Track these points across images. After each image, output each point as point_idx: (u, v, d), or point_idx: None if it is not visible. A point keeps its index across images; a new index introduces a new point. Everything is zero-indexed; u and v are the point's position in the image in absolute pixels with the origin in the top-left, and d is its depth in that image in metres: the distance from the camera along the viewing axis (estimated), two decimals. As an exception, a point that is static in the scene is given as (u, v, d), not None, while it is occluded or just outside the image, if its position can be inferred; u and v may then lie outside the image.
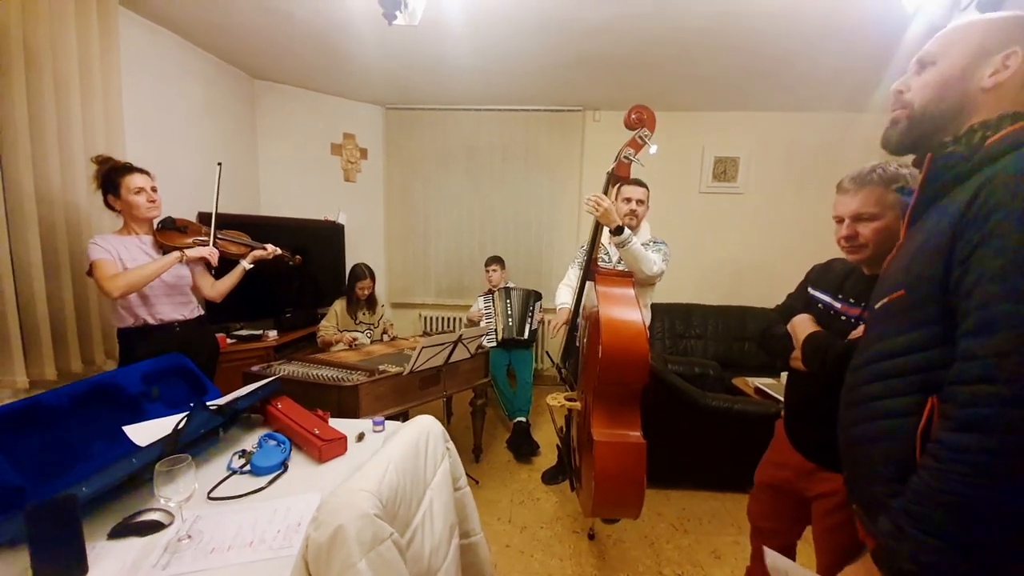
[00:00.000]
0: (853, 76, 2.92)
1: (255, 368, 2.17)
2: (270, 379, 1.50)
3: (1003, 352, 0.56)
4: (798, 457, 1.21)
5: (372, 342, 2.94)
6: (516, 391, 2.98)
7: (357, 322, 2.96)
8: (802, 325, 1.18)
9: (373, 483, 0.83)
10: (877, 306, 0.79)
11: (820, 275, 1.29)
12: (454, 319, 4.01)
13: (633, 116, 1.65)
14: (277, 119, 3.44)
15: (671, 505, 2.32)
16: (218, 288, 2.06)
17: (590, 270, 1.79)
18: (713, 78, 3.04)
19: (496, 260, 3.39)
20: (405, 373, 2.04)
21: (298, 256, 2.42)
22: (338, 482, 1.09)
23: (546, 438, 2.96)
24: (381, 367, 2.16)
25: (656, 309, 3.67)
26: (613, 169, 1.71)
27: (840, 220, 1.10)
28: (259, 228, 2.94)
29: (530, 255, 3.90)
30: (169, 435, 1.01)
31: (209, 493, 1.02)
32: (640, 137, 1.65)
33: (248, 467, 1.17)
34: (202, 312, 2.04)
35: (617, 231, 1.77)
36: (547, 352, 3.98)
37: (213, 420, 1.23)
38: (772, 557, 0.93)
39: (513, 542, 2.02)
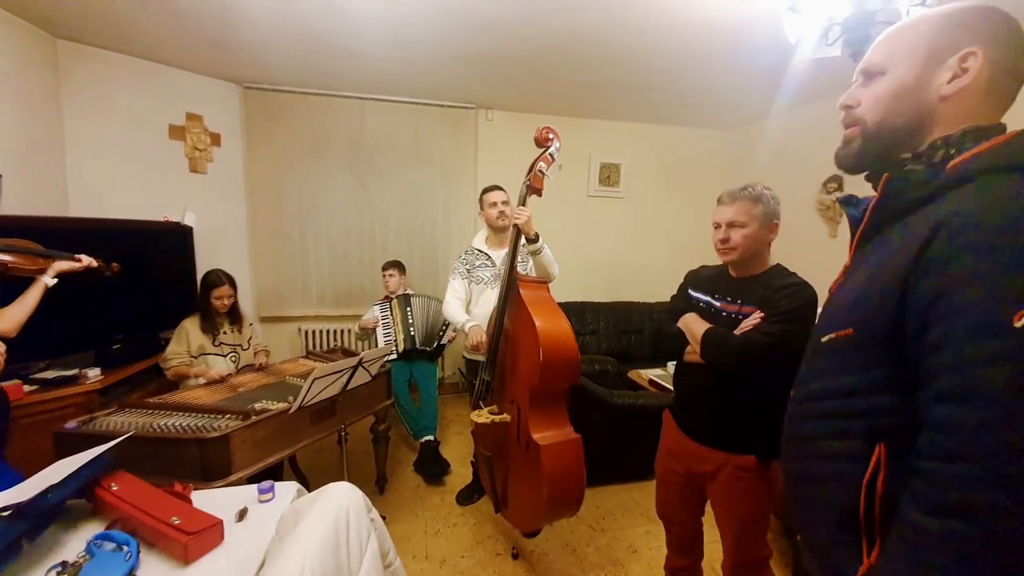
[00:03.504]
0: (717, 97, 3.27)
1: (70, 425, 1.64)
2: (98, 451, 1.09)
3: (984, 424, 0.49)
4: (690, 442, 1.36)
5: (241, 369, 2.43)
6: (420, 407, 2.76)
7: (218, 343, 2.38)
8: (696, 323, 1.32)
9: (285, 607, 0.60)
10: (824, 339, 0.71)
11: (695, 279, 1.47)
12: (343, 331, 3.59)
13: (544, 133, 1.72)
14: (92, 92, 2.65)
15: (587, 505, 2.32)
16: (11, 318, 1.50)
17: (512, 278, 1.76)
18: (598, 87, 3.16)
19: (394, 264, 3.09)
20: (292, 410, 1.71)
21: (115, 264, 1.89)
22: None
23: (455, 453, 2.81)
24: (258, 405, 1.79)
25: (554, 309, 3.75)
26: (530, 181, 1.73)
27: (717, 226, 1.28)
28: (70, 235, 2.27)
29: (425, 259, 3.66)
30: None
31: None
32: (551, 154, 1.72)
33: (72, 593, 0.82)
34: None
35: (535, 239, 1.84)
36: (459, 369, 3.79)
37: (10, 531, 0.84)
38: None
39: (434, 582, 1.84)
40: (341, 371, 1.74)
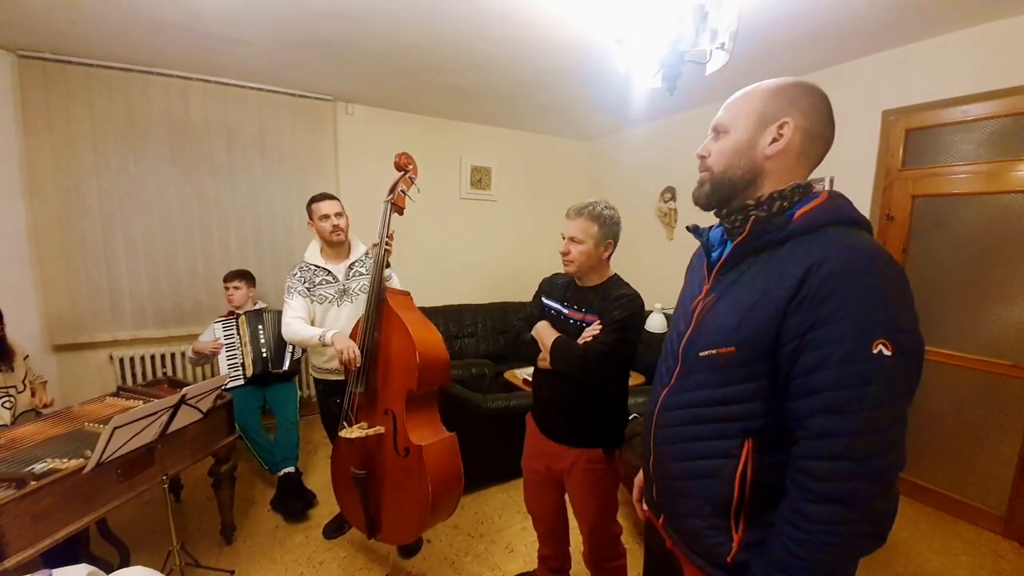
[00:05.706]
0: (574, 109, 3.49)
1: None
2: None
3: (858, 432, 0.63)
4: (548, 442, 1.48)
5: (17, 417, 1.93)
6: (277, 436, 2.44)
7: None
8: (546, 332, 1.42)
9: None
10: (703, 354, 0.80)
11: (548, 287, 1.57)
12: (172, 355, 3.02)
13: (403, 159, 1.81)
14: None
15: (465, 514, 2.34)
16: None
17: (381, 288, 1.76)
18: (466, 91, 3.15)
19: (240, 275, 2.67)
20: (88, 469, 1.36)
21: None
22: None
23: (323, 479, 2.55)
24: (40, 466, 1.40)
25: (432, 312, 3.67)
26: (394, 199, 1.79)
27: (564, 238, 1.40)
28: None
29: (280, 268, 3.23)
30: None
31: None
32: (410, 177, 1.81)
33: None
34: None
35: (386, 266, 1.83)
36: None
37: None
38: None
39: (294, 634, 1.64)
40: (155, 413, 1.43)
